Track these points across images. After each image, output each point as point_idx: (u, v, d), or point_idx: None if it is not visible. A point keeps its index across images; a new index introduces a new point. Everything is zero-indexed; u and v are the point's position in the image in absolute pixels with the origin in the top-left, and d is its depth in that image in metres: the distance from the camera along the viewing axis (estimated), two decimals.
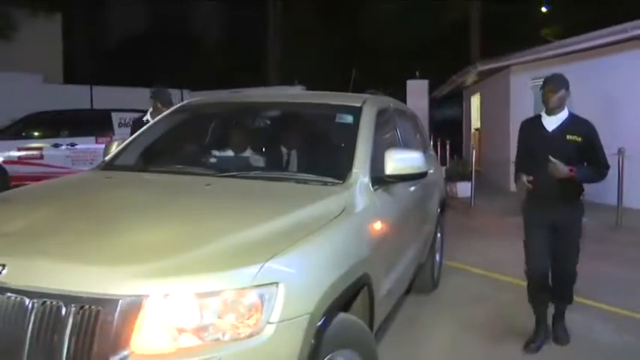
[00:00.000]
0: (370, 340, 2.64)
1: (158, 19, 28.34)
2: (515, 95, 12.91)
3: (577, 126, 3.88)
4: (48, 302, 1.88)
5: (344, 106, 3.75)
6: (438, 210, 5.36)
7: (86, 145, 11.99)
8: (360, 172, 3.10)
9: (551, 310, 4.18)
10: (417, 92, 15.98)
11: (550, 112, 3.93)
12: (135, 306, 1.85)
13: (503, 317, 4.69)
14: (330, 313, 2.23)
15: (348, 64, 7.57)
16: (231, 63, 25.25)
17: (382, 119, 3.86)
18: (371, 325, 2.85)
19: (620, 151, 7.94)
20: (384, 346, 3.91)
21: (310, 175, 3.17)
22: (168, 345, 1.87)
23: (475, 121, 18.71)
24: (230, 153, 3.91)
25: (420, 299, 5.08)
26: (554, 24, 23.42)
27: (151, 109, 6.17)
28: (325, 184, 3.02)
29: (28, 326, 1.87)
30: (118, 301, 1.85)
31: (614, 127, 8.31)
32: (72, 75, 21.99)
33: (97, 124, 12.37)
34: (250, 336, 1.92)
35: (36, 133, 12.14)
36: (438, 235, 5.46)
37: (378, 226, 3.03)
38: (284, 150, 3.94)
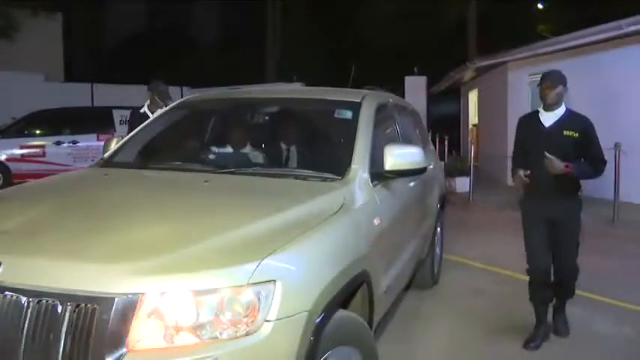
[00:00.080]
0: (369, 336, 2.62)
1: (158, 17, 28.46)
2: (512, 91, 13.00)
3: (574, 122, 3.88)
4: (44, 300, 1.87)
5: (343, 102, 3.72)
6: (438, 205, 5.33)
7: (88, 142, 12.09)
8: (360, 168, 3.08)
9: (551, 304, 4.18)
10: (415, 88, 16.10)
11: (547, 108, 3.93)
12: (131, 304, 1.84)
13: (504, 311, 4.71)
14: (328, 310, 2.21)
15: (347, 62, 7.65)
16: (231, 61, 25.24)
17: (381, 115, 3.83)
18: (370, 322, 2.83)
19: (617, 146, 8.00)
20: (384, 341, 3.91)
21: (309, 171, 3.16)
22: (165, 343, 1.86)
23: (473, 117, 18.77)
24: (229, 149, 3.89)
25: (420, 293, 5.09)
26: (550, 21, 23.52)
27: (148, 102, 6.35)
28: (324, 179, 3.00)
29: (24, 325, 1.86)
30: (114, 299, 1.83)
31: (610, 123, 8.38)
32: (73, 73, 22.08)
33: (98, 121, 12.45)
34: (247, 334, 1.90)
35: (38, 131, 12.24)
36: (438, 230, 5.43)
37: (377, 222, 3.01)
38: (283, 146, 3.92)
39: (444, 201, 5.78)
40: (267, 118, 4.47)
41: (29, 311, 1.87)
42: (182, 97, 6.13)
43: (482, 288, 5.35)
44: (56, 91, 16.10)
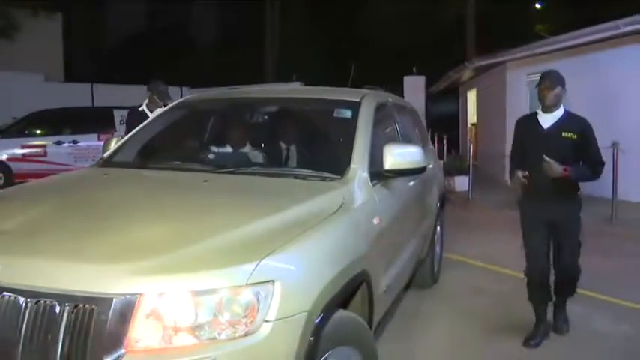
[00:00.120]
0: (369, 336, 2.61)
1: (157, 17, 28.51)
2: (510, 91, 13.02)
3: (573, 123, 3.87)
4: (42, 301, 1.86)
5: (343, 101, 3.72)
6: (438, 205, 5.32)
7: (88, 142, 12.12)
8: (359, 168, 3.07)
9: (551, 303, 4.18)
10: (414, 88, 16.15)
11: (546, 109, 3.92)
12: (129, 304, 1.83)
13: (503, 309, 4.72)
14: (328, 311, 2.20)
15: (346, 62, 7.69)
16: (230, 61, 25.27)
17: (381, 114, 3.82)
18: (370, 322, 2.82)
19: (615, 145, 8.04)
20: (384, 340, 3.91)
21: (308, 171, 3.15)
22: (163, 344, 1.85)
23: (471, 116, 18.80)
24: (228, 149, 3.88)
25: (420, 292, 5.10)
26: (548, 21, 23.59)
27: (147, 101, 6.38)
28: (323, 179, 2.99)
29: (22, 325, 1.85)
30: (112, 299, 1.83)
31: (608, 122, 8.40)
32: (73, 73, 22.12)
33: (98, 121, 12.49)
34: (246, 334, 1.90)
35: (39, 131, 12.28)
36: (438, 229, 5.42)
37: (376, 221, 3.00)
38: (283, 145, 3.91)
39: (443, 200, 5.76)
40: (266, 117, 4.46)
41: (27, 312, 1.86)
42: (182, 97, 6.17)
43: (482, 286, 5.36)
44: (56, 91, 16.15)
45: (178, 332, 1.87)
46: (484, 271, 6.01)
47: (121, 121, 12.26)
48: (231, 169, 3.25)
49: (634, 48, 9.68)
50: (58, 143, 12.04)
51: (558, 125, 3.88)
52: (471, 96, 18.77)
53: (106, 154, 3.75)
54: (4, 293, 1.91)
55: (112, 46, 28.09)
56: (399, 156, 3.15)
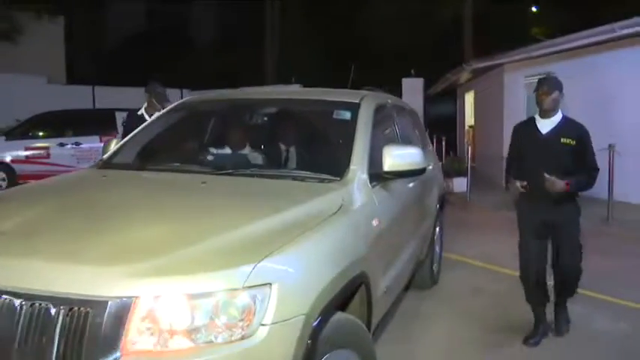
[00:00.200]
0: (368, 339, 2.59)
1: (157, 20, 28.60)
2: (508, 93, 13.10)
3: (571, 129, 3.88)
4: (37, 304, 1.84)
5: (342, 103, 3.70)
6: (438, 206, 5.29)
7: (91, 144, 12.16)
8: (358, 169, 3.05)
9: (551, 303, 4.20)
10: (413, 90, 16.25)
11: (544, 114, 3.92)
12: (125, 307, 1.81)
13: (503, 309, 4.74)
14: (326, 314, 2.18)
15: (345, 63, 7.78)
16: (229, 62, 25.33)
17: (380, 115, 3.80)
18: (369, 324, 2.80)
19: (611, 147, 8.10)
20: (384, 342, 3.90)
21: (307, 172, 3.13)
22: (159, 347, 1.83)
23: (469, 118, 18.88)
24: (228, 150, 3.86)
25: (420, 292, 5.10)
26: (544, 23, 23.69)
27: (145, 105, 6.30)
28: (322, 181, 2.97)
29: (17, 328, 1.83)
30: (107, 302, 1.81)
31: (604, 124, 8.47)
32: (74, 76, 22.25)
33: (101, 123, 12.52)
34: (243, 338, 1.88)
35: (42, 133, 12.35)
36: (437, 231, 5.39)
37: (375, 223, 2.97)
38: (282, 147, 3.89)
39: (443, 201, 5.75)
40: (266, 119, 4.44)
41: (22, 314, 1.85)
42: (182, 98, 6.20)
43: (481, 287, 5.39)
44: (58, 94, 16.29)
45: (174, 335, 1.85)
46: (483, 270, 6.06)
47: (122, 123, 12.29)
48: (230, 171, 3.24)
49: (630, 51, 9.73)
50: (61, 145, 12.12)
51: (557, 131, 3.88)
52: (469, 98, 18.84)
53: (105, 156, 3.75)
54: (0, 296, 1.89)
55: (112, 48, 28.17)
56: (398, 157, 3.14)
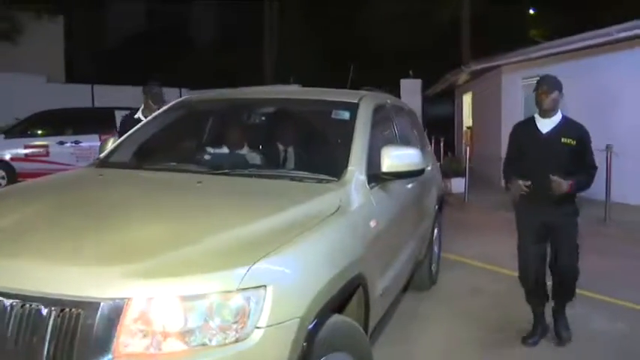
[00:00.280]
0: (365, 341, 2.56)
1: (157, 19, 28.63)
2: (506, 94, 13.12)
3: (571, 129, 3.87)
4: (27, 305, 1.81)
5: (341, 103, 3.67)
6: (436, 207, 5.26)
7: (90, 142, 12.12)
8: (356, 170, 3.02)
9: (550, 305, 4.18)
10: (411, 91, 16.22)
11: (544, 114, 3.90)
12: (117, 309, 1.78)
13: (502, 309, 4.74)
14: (322, 316, 2.14)
15: (344, 63, 7.80)
16: (228, 62, 25.32)
17: (379, 116, 3.77)
18: (366, 327, 2.77)
19: (608, 148, 8.12)
20: (382, 343, 3.89)
21: (305, 173, 3.10)
22: (152, 350, 1.80)
23: (467, 119, 18.91)
24: (225, 150, 3.83)
25: (419, 293, 5.09)
26: (542, 25, 23.75)
27: (142, 107, 6.11)
28: (320, 181, 2.94)
29: (7, 329, 1.80)
30: (99, 303, 1.78)
31: (602, 126, 8.44)
32: (74, 75, 22.27)
33: (100, 121, 12.49)
34: (237, 341, 1.84)
35: (41, 131, 12.39)
36: (436, 232, 5.37)
37: (373, 224, 2.94)
38: (280, 147, 3.86)
39: (442, 202, 5.72)
40: (264, 118, 4.41)
41: (13, 315, 1.82)
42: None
43: (480, 287, 5.39)
44: (58, 92, 16.33)
45: (167, 338, 1.82)
46: (482, 271, 6.06)
47: (120, 122, 12.32)
48: (228, 171, 3.21)
49: (628, 53, 9.75)
50: (61, 143, 12.15)
51: (557, 130, 3.87)
52: (467, 99, 18.88)
53: (102, 154, 3.72)
54: None
55: (111, 47, 28.19)
56: (396, 158, 3.11)
